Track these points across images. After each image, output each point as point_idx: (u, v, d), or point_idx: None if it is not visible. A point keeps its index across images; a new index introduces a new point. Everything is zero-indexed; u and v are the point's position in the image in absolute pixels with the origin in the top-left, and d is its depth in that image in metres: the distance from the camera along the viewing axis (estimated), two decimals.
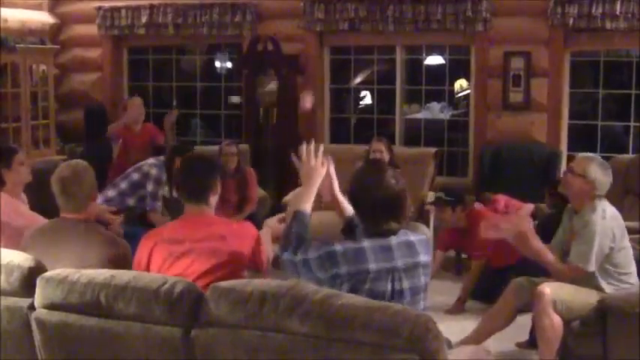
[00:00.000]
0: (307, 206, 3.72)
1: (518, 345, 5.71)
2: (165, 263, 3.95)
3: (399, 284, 3.47)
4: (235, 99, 9.76)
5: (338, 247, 3.45)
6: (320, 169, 3.82)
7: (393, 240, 3.52)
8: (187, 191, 4.15)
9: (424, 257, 3.59)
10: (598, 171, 5.01)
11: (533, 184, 7.52)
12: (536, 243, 4.93)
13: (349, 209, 3.85)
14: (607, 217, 4.96)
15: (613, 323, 4.63)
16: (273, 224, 4.56)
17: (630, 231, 6.26)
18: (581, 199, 5.05)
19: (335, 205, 4.00)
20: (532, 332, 5.41)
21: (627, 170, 7.53)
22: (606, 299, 4.73)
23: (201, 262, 3.91)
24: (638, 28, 8.07)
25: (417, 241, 3.61)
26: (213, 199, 4.16)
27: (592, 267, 4.88)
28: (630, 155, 8.01)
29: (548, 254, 4.95)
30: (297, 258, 3.52)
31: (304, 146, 3.85)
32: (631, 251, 5.07)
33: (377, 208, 3.52)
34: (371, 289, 3.41)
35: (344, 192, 3.90)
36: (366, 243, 3.47)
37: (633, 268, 5.07)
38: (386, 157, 7.41)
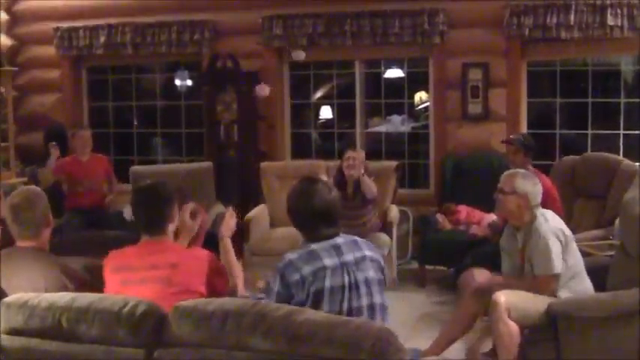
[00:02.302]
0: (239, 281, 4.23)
1: (484, 354, 5.75)
2: (119, 291, 3.84)
3: (353, 277, 3.73)
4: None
5: (292, 255, 3.71)
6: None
7: (339, 240, 3.82)
8: (144, 223, 4.04)
9: (369, 252, 3.86)
10: (525, 183, 5.14)
11: (494, 194, 7.57)
12: (502, 281, 5.11)
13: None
14: (549, 219, 5.07)
15: (563, 328, 4.68)
16: (228, 228, 4.50)
17: (594, 238, 6.35)
18: (520, 214, 5.15)
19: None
20: None
21: (574, 171, 7.61)
22: (554, 305, 4.78)
23: (153, 290, 3.79)
24: (592, 37, 8.19)
25: (360, 240, 3.92)
26: (171, 227, 4.07)
27: (557, 269, 4.95)
28: (576, 156, 8.02)
29: (514, 283, 5.10)
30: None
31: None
32: (579, 254, 5.15)
33: (315, 217, 3.81)
34: (331, 285, 3.65)
35: None
36: (315, 246, 3.74)
37: (584, 273, 5.14)
38: (359, 165, 7.48)
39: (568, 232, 5.11)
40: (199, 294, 3.86)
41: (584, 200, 7.45)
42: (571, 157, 7.94)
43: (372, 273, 3.80)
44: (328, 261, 3.67)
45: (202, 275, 3.96)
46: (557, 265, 4.95)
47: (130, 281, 3.87)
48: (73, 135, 8.78)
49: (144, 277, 3.87)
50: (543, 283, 4.98)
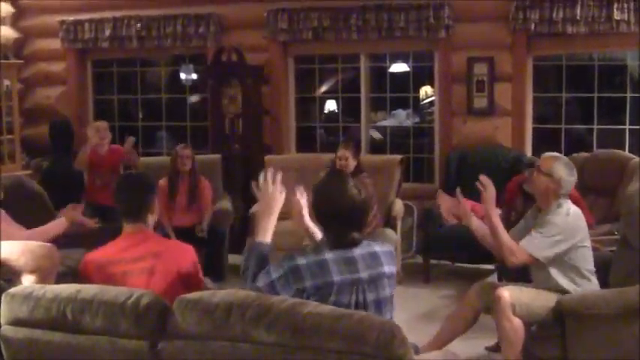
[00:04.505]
0: (267, 235, 3.70)
1: (488, 349, 5.75)
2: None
3: (362, 296, 3.45)
4: (194, 98, 10.08)
5: (301, 260, 3.42)
6: (279, 197, 3.76)
7: (357, 252, 3.50)
8: (124, 210, 4.08)
9: (388, 268, 3.57)
10: (564, 170, 5.07)
11: (499, 188, 7.57)
12: (495, 216, 5.01)
13: (318, 235, 3.82)
14: (570, 215, 5.02)
15: (570, 325, 4.67)
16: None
17: (598, 233, 6.33)
18: (547, 197, 5.09)
19: (305, 232, 4.00)
20: None
21: (583, 168, 7.60)
22: (562, 301, 4.76)
23: (139, 282, 3.81)
24: (598, 31, 8.16)
25: (382, 252, 3.59)
26: (151, 218, 4.10)
27: (543, 258, 4.92)
28: (586, 153, 8.03)
29: (502, 230, 4.99)
30: (259, 283, 3.46)
31: (262, 174, 3.81)
32: (590, 251, 5.12)
33: (340, 218, 3.50)
34: (335, 301, 3.39)
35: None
36: (329, 255, 3.45)
37: (591, 268, 5.12)
38: (352, 163, 7.40)
39: (581, 233, 5.05)
40: (180, 279, 3.92)
41: (593, 197, 7.44)
42: (581, 154, 7.93)
43: (387, 291, 3.56)
44: (337, 277, 3.40)
45: (184, 264, 4.00)
46: (544, 255, 4.92)
47: (115, 276, 3.87)
48: (91, 128, 8.65)
49: (129, 270, 3.88)
50: (520, 256, 4.93)
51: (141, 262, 3.91)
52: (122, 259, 3.93)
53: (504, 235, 4.99)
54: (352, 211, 3.51)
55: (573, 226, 5.00)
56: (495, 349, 5.67)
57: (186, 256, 4.08)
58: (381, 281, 3.53)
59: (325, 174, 3.76)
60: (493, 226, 4.97)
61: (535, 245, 4.94)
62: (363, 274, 3.47)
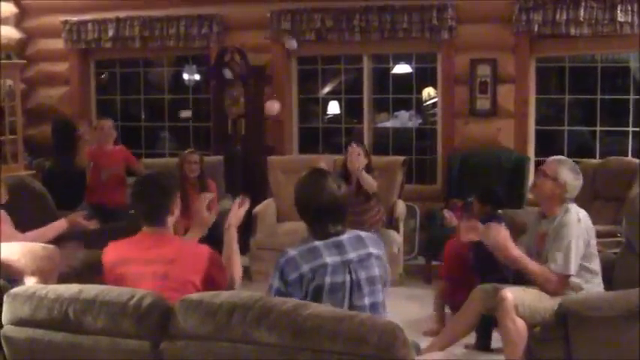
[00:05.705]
0: None
1: (467, 347, 5.74)
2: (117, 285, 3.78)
3: (355, 275, 3.64)
4: (186, 113, 10.23)
5: (292, 251, 3.62)
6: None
7: (344, 236, 3.72)
8: (143, 213, 4.01)
9: (374, 250, 3.76)
10: (569, 174, 5.04)
11: (502, 189, 7.59)
12: (516, 251, 4.97)
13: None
14: (582, 220, 5.00)
15: (573, 327, 4.65)
16: (236, 218, 4.50)
17: (601, 234, 6.33)
18: (551, 202, 5.08)
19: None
20: (478, 333, 5.61)
21: (595, 175, 7.58)
22: (565, 303, 4.75)
23: (149, 287, 3.71)
24: (601, 33, 8.16)
25: (366, 236, 3.82)
26: (171, 220, 4.02)
27: (573, 270, 4.91)
28: (598, 160, 8.04)
29: (529, 262, 4.97)
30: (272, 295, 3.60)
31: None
32: (596, 251, 5.12)
33: (322, 213, 3.72)
34: (331, 282, 3.58)
35: None
36: (318, 243, 3.67)
37: (597, 268, 5.11)
38: (364, 160, 7.47)
39: (591, 234, 5.05)
40: (195, 289, 3.82)
41: (602, 202, 7.42)
42: (592, 160, 7.88)
43: (376, 271, 3.73)
44: (329, 259, 3.59)
45: (200, 271, 3.91)
46: (574, 268, 4.91)
47: (126, 276, 3.84)
48: (95, 127, 8.67)
49: (141, 273, 3.84)
50: (556, 280, 4.92)
51: (153, 266, 3.85)
52: (135, 259, 3.89)
53: (534, 266, 4.96)
54: (333, 205, 3.72)
55: (586, 230, 5.00)
56: (475, 347, 5.70)
57: (200, 261, 3.94)
58: (370, 261, 3.72)
59: (305, 172, 3.93)
60: (517, 261, 4.96)
61: (565, 265, 4.90)
62: (352, 255, 3.67)
